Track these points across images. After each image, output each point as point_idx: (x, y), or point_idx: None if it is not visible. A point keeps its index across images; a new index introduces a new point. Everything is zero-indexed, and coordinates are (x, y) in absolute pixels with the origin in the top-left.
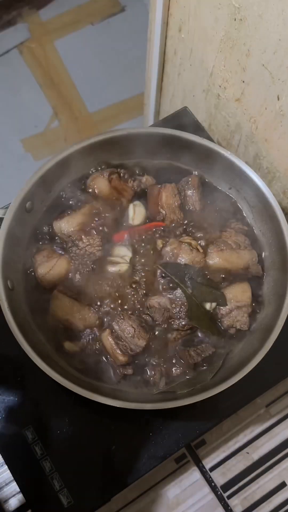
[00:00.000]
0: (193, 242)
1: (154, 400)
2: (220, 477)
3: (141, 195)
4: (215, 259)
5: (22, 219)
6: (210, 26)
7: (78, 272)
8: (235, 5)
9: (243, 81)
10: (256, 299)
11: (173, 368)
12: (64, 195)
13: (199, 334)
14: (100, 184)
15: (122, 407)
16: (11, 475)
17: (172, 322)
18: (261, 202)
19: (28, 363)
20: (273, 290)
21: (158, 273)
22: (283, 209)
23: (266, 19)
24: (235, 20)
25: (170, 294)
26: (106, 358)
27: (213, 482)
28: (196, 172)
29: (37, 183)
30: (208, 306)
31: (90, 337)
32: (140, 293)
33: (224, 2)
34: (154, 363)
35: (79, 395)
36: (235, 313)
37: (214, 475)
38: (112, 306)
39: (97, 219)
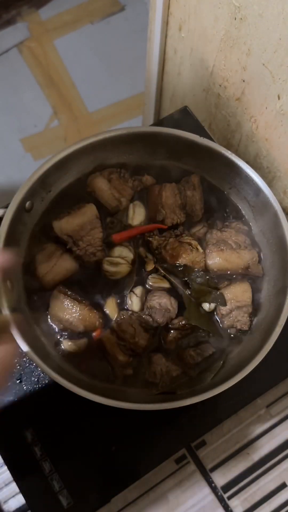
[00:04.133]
0: (193, 242)
1: (154, 401)
2: (220, 478)
3: (141, 195)
4: (215, 259)
5: (22, 219)
6: (210, 25)
7: (79, 272)
8: (235, 4)
9: (243, 80)
10: (256, 299)
11: (173, 368)
12: (64, 195)
13: (199, 334)
14: (100, 183)
15: (122, 407)
16: (11, 475)
17: (173, 322)
18: (262, 202)
19: (27, 363)
20: (273, 290)
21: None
22: (284, 209)
23: (267, 18)
24: (235, 19)
25: None
26: (106, 358)
27: (213, 483)
28: (196, 171)
29: (37, 182)
30: (207, 307)
31: (90, 337)
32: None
33: (224, 1)
34: (154, 363)
35: (79, 395)
36: (235, 313)
37: (215, 476)
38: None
39: (97, 219)
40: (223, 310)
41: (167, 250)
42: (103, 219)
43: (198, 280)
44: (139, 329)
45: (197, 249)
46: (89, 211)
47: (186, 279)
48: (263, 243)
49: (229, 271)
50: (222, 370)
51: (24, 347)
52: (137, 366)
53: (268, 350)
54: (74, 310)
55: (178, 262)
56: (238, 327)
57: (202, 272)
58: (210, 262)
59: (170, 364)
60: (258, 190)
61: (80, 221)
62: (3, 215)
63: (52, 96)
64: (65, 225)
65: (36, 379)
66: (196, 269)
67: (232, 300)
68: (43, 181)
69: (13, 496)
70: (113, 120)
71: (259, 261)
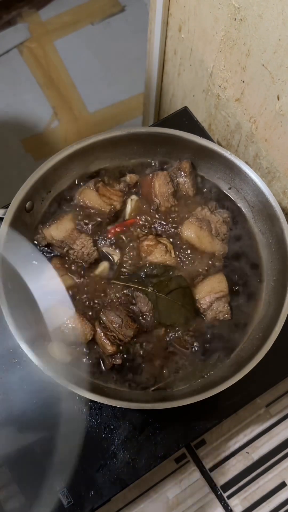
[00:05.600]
0: (169, 245)
1: (154, 400)
2: (220, 477)
3: (137, 190)
4: (190, 232)
5: (22, 219)
6: (210, 26)
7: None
8: (235, 5)
9: (243, 81)
10: (256, 298)
11: (168, 362)
12: (64, 195)
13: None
14: (88, 196)
15: (122, 407)
16: (11, 475)
17: None
18: (261, 202)
19: (27, 363)
20: (273, 290)
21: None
22: (283, 209)
23: (266, 19)
24: (235, 20)
25: None
26: (97, 349)
27: (213, 482)
28: (196, 171)
29: (37, 183)
30: None
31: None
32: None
33: (224, 2)
34: (145, 355)
35: (79, 395)
36: (216, 304)
37: (214, 475)
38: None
39: (86, 221)
40: (204, 304)
41: (143, 244)
42: (93, 220)
43: (155, 271)
44: (126, 319)
45: (171, 253)
46: (68, 225)
47: (142, 274)
48: (263, 243)
49: (194, 249)
50: (221, 370)
51: (24, 347)
52: (131, 364)
53: (267, 349)
54: (69, 322)
55: (149, 258)
56: (221, 318)
57: (153, 265)
58: (185, 231)
59: (163, 358)
60: (257, 190)
61: (68, 226)
62: (3, 215)
63: (52, 97)
64: (55, 232)
65: (36, 379)
66: (148, 264)
67: (210, 293)
68: (44, 182)
69: (14, 495)
70: (113, 120)
71: (259, 261)
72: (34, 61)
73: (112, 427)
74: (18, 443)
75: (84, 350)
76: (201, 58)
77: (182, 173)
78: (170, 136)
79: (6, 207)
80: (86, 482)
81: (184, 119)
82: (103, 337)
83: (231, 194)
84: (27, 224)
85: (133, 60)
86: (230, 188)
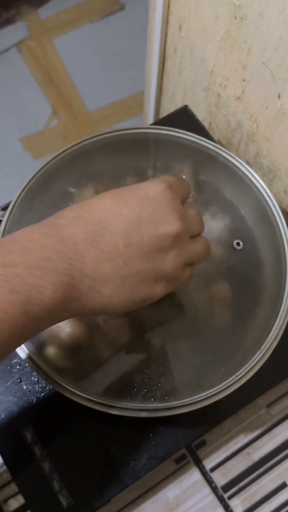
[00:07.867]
0: None
1: (152, 408)
2: (220, 478)
3: None
4: None
5: (22, 219)
6: (210, 24)
7: None
8: (235, 3)
9: (244, 80)
10: (257, 300)
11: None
12: (63, 197)
13: None
14: (88, 197)
15: (119, 414)
16: (10, 475)
17: None
18: (262, 205)
19: (27, 365)
20: (274, 295)
21: None
22: (284, 209)
23: (267, 17)
24: (235, 18)
25: None
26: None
27: (213, 482)
28: (194, 171)
29: (37, 182)
30: None
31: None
32: None
33: (225, 0)
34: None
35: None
36: (219, 311)
37: (215, 475)
38: None
39: None
40: None
41: None
42: None
43: None
44: (124, 323)
45: None
46: None
47: None
48: (264, 247)
49: None
50: (221, 374)
51: (24, 348)
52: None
53: (266, 358)
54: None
55: None
56: (223, 326)
57: None
58: None
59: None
60: (259, 193)
61: None
62: (2, 217)
63: (51, 95)
64: None
65: (36, 379)
66: None
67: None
68: (43, 181)
69: (13, 496)
70: (113, 119)
71: (257, 260)
72: (33, 60)
73: (112, 428)
74: (18, 442)
75: (81, 354)
76: (202, 57)
77: (183, 176)
78: (171, 138)
79: (6, 207)
80: (85, 483)
81: (184, 117)
82: (99, 341)
83: (233, 198)
84: (27, 224)
85: (133, 58)
86: (231, 192)
